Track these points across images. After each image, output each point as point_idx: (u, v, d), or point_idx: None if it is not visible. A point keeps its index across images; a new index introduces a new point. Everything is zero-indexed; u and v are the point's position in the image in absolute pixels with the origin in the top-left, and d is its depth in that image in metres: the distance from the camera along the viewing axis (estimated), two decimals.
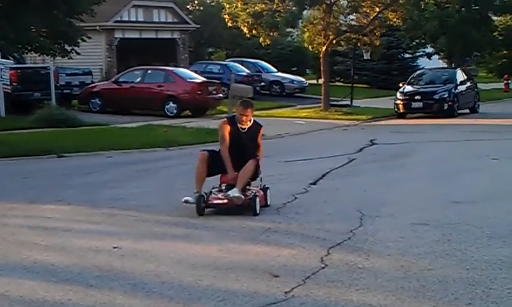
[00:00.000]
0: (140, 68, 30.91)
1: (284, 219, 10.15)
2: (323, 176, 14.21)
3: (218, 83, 31.16)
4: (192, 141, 21.04)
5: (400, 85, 32.21)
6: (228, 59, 45.27)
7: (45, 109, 24.46)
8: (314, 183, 13.33)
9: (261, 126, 11.14)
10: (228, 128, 10.79)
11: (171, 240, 8.94)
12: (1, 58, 24.32)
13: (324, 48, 32.00)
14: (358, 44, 34.61)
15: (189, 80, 29.83)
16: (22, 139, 20.02)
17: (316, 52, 34.77)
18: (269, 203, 10.94)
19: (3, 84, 25.23)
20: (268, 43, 35.21)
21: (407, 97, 30.44)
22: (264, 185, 11.07)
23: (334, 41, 32.78)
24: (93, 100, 29.74)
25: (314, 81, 47.73)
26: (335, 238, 8.91)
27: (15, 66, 26.53)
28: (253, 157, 10.63)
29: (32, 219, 10.46)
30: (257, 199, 10.39)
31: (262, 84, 39.77)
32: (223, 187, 10.70)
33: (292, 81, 42.05)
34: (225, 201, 10.40)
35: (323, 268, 7.62)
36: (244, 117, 10.77)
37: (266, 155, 18.31)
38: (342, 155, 17.49)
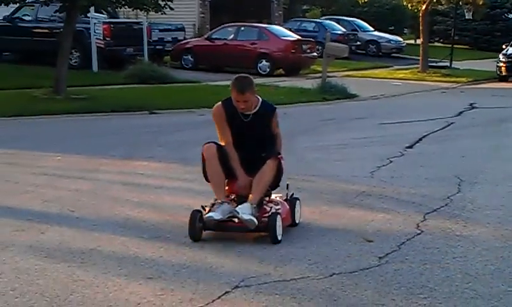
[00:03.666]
0: (233, 25, 30.91)
1: (378, 183, 10.09)
2: (420, 139, 14.05)
3: (313, 41, 31.02)
4: (284, 100, 20.96)
5: (504, 47, 31.55)
6: (323, 17, 44.98)
7: (137, 64, 24.73)
8: (410, 147, 13.20)
9: (274, 109, 7.77)
10: (223, 116, 7.60)
11: None
12: (94, 12, 24.69)
13: (423, 6, 31.45)
14: (460, 3, 33.95)
15: (282, 38, 29.73)
16: (114, 94, 20.35)
17: (415, 10, 34.19)
18: (298, 220, 7.85)
19: (96, 38, 25.64)
20: (365, 0, 34.87)
21: (510, 59, 29.79)
22: (292, 195, 8.02)
23: (434, 0, 32.20)
24: (185, 57, 29.94)
25: (412, 41, 47.11)
26: (431, 203, 8.82)
27: (108, 20, 26.86)
28: (271, 154, 7.47)
29: (125, 175, 10.66)
30: (278, 220, 7.23)
31: (358, 43, 39.47)
32: (233, 197, 7.62)
33: (389, 41, 41.49)
34: (235, 220, 7.27)
35: (419, 234, 7.56)
36: (242, 104, 7.47)
37: (360, 117, 18.37)
38: (439, 119, 17.25)
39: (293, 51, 28.98)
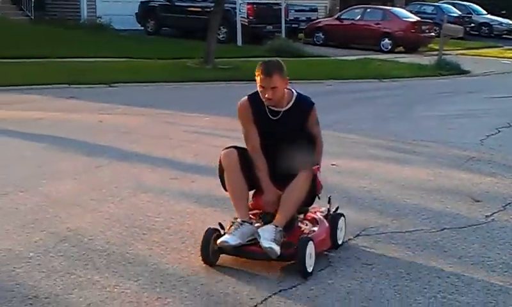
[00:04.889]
0: (360, 7, 30.53)
1: (487, 150, 9.81)
2: None
3: (431, 23, 30.48)
4: (404, 74, 20.74)
5: None
6: (441, 1, 43.79)
7: (275, 40, 24.81)
8: None
9: (312, 104, 5.42)
10: (249, 113, 5.38)
11: (383, 162, 8.90)
12: None
13: None
14: None
15: (404, 19, 29.27)
16: (255, 65, 20.34)
17: None
18: (340, 241, 5.58)
19: (241, 17, 25.92)
20: None
21: None
22: (336, 210, 5.74)
23: None
24: (317, 34, 29.89)
25: None
26: None
27: (251, 1, 27.07)
28: (306, 164, 5.15)
29: None
30: (309, 247, 4.95)
31: (472, 25, 38.38)
32: (258, 213, 5.40)
33: (500, 23, 40.10)
34: (256, 245, 5.00)
35: None
36: (270, 92, 5.19)
37: (472, 91, 17.89)
38: None
39: (413, 31, 28.60)
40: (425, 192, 7.43)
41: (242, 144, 5.38)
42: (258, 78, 5.25)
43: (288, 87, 5.34)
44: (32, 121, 11.15)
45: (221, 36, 24.64)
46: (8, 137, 9.95)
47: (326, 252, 5.35)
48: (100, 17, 27.04)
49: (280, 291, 4.69)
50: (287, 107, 5.32)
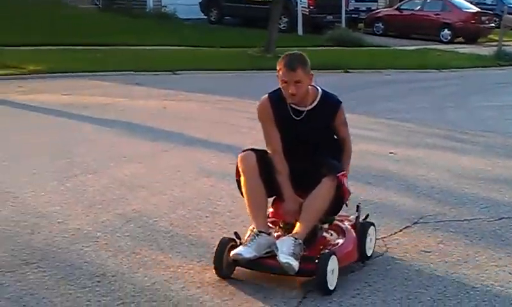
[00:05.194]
0: None
1: None
2: None
3: (491, 14, 29.92)
4: (463, 65, 20.40)
5: None
6: None
7: (335, 30, 24.76)
8: None
9: (339, 103, 4.83)
10: (270, 113, 4.81)
11: (441, 151, 8.78)
12: None
13: None
14: None
15: (464, 10, 28.82)
16: (315, 55, 20.18)
17: None
18: (369, 253, 4.95)
19: (302, 7, 25.88)
20: None
21: None
22: (366, 218, 5.11)
23: None
24: (376, 24, 29.66)
25: None
26: None
27: None
28: (329, 171, 4.55)
29: None
30: (332, 263, 4.35)
31: None
32: (279, 222, 4.80)
33: None
34: (273, 259, 4.40)
35: None
36: (293, 87, 4.61)
37: None
38: None
39: (473, 22, 28.20)
40: (483, 181, 7.31)
41: (265, 146, 4.89)
42: (280, 73, 4.69)
43: (313, 84, 4.77)
44: (99, 106, 11.34)
45: (282, 25, 24.61)
46: (76, 121, 10.14)
47: (354, 264, 4.79)
48: (165, 6, 27.29)
49: (339, 275, 4.67)
50: (312, 106, 4.74)
